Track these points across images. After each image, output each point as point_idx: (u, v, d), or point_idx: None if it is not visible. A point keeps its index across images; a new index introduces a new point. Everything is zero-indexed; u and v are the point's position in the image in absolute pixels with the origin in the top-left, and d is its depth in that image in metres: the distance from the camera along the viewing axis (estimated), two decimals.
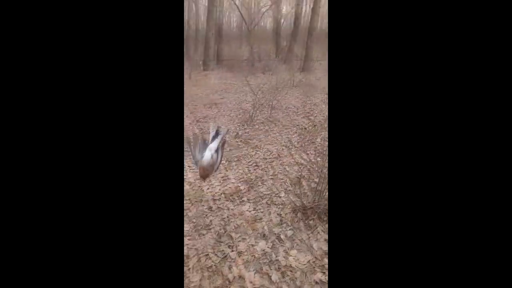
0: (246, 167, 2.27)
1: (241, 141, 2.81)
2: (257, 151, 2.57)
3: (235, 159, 2.41)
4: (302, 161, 2.31)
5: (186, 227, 1.55)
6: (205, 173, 0.95)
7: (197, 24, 11.18)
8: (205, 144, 0.97)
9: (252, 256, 1.34)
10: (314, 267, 1.27)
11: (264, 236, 1.47)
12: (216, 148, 0.95)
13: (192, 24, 11.03)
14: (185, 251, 1.36)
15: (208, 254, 1.35)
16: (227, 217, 1.64)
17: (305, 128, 3.14)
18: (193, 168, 1.93)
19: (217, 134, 1.00)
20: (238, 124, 3.29)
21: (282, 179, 2.06)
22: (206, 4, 8.43)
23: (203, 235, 1.50)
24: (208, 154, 0.93)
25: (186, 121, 3.72)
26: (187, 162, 1.97)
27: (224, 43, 8.96)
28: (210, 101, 4.56)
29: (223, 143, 0.99)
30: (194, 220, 1.61)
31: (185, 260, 1.31)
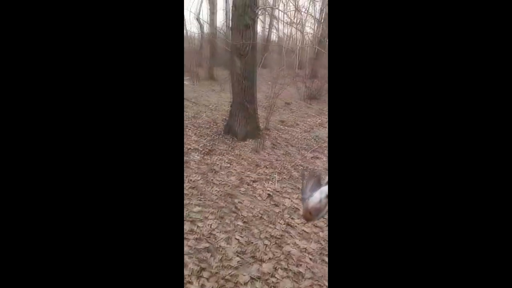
0: None
1: None
2: None
3: None
4: None
5: (313, 246, 1.55)
6: (308, 216, 0.80)
7: None
8: (319, 184, 0.82)
9: None
10: None
11: None
12: (328, 193, 0.77)
13: None
14: (302, 270, 1.37)
15: (323, 287, 1.29)
16: None
17: None
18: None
19: None
20: None
21: None
22: None
23: (326, 262, 1.44)
24: (316, 197, 0.77)
25: (296, 130, 3.72)
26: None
27: None
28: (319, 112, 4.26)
29: None
30: (322, 243, 1.57)
31: (300, 278, 1.33)
